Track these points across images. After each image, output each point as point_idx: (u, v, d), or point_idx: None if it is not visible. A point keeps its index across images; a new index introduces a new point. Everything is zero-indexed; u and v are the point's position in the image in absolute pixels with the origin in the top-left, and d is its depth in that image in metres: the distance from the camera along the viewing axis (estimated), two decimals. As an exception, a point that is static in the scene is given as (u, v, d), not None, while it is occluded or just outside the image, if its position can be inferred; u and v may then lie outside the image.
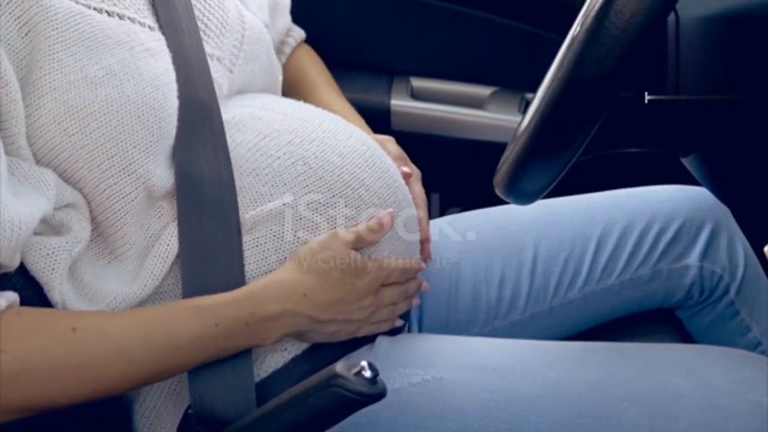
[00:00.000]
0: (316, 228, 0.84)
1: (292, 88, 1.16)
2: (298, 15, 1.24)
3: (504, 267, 1.08)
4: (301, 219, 0.85)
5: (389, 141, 1.02)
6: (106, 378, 0.74)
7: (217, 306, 0.78)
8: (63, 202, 0.77)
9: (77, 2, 0.79)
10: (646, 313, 1.13)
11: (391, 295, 0.89)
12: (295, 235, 0.83)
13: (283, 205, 0.84)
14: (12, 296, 0.71)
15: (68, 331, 0.72)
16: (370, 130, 1.05)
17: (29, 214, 0.72)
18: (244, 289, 0.80)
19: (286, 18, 1.17)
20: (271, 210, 0.84)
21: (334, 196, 0.87)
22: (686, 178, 1.01)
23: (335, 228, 0.86)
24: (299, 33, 1.21)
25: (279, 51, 1.18)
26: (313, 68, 1.19)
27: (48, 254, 0.75)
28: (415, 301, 0.94)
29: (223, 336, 0.78)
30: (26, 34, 0.74)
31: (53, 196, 0.75)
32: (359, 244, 0.86)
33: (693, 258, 1.09)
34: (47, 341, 0.71)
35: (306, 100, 1.00)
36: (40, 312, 0.74)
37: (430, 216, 1.08)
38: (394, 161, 0.96)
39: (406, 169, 0.98)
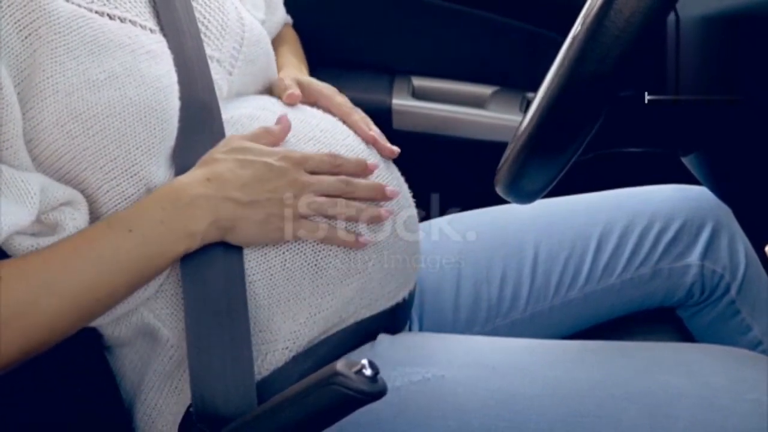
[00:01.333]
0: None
1: None
2: (298, 15, 1.25)
3: (505, 266, 1.08)
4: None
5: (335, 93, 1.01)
6: (43, 319, 0.73)
7: (127, 213, 0.78)
8: (55, 204, 0.76)
9: (79, 6, 0.79)
10: (646, 313, 1.13)
11: (325, 183, 0.86)
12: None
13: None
14: None
15: None
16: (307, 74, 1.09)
17: (4, 223, 0.72)
18: (150, 194, 0.79)
19: (281, 10, 1.18)
20: None
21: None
22: (687, 178, 1.01)
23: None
24: (285, 18, 1.22)
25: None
26: (281, 40, 1.19)
27: None
28: (385, 213, 0.89)
29: (142, 241, 0.76)
30: (26, 38, 0.74)
31: (36, 204, 0.74)
32: (262, 138, 0.86)
33: (694, 257, 1.09)
34: None
35: None
36: None
37: (430, 216, 1.08)
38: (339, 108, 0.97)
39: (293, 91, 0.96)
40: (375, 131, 0.95)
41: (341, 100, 0.98)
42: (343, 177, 0.87)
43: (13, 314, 0.72)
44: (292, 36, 1.22)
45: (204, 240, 0.80)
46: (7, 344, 0.72)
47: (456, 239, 1.09)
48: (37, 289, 0.73)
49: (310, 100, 0.98)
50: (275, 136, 0.87)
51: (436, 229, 1.08)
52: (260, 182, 0.82)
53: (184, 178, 0.81)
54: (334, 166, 0.87)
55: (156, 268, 0.79)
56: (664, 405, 0.80)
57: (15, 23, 0.74)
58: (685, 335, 1.13)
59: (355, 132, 0.94)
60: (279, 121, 0.88)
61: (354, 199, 0.87)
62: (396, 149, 0.95)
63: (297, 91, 0.95)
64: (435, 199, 1.01)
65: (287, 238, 0.84)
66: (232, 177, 0.81)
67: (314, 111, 0.96)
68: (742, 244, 1.10)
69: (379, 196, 0.89)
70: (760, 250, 1.12)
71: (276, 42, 1.16)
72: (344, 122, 0.95)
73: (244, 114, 0.90)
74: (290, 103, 0.94)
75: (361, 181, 0.88)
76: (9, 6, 0.74)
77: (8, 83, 0.72)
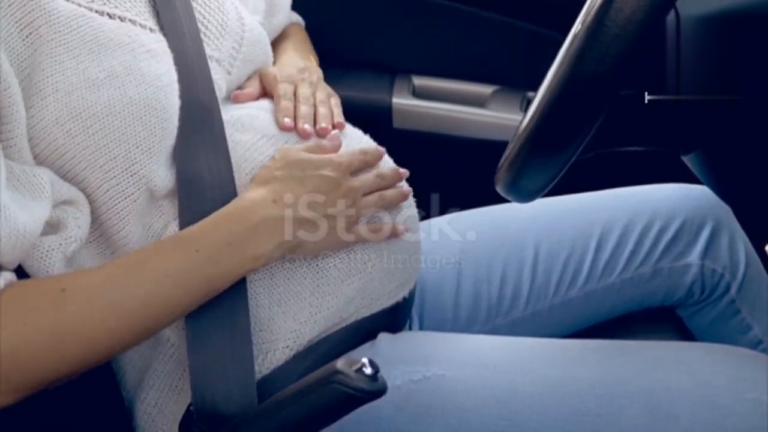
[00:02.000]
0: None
1: None
2: (299, 14, 1.25)
3: (505, 265, 1.08)
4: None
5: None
6: (103, 334, 0.73)
7: (194, 232, 0.78)
8: (59, 200, 0.77)
9: (79, 5, 0.79)
10: (646, 312, 1.13)
11: (367, 182, 0.88)
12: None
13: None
14: (9, 276, 0.71)
15: (57, 292, 0.72)
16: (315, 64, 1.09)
17: (33, 222, 0.72)
18: (217, 213, 0.80)
19: (283, 15, 1.17)
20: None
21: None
22: (687, 177, 1.01)
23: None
24: (291, 18, 1.22)
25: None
26: (283, 36, 1.18)
27: (41, 257, 0.75)
28: (406, 190, 0.92)
29: (208, 261, 0.77)
30: (27, 37, 0.74)
31: (49, 197, 0.75)
32: (313, 151, 0.88)
33: (694, 256, 1.09)
34: (39, 305, 0.71)
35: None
36: (25, 281, 0.74)
37: (430, 216, 1.08)
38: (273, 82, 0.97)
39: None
40: (294, 125, 0.91)
41: (280, 87, 0.95)
42: (375, 171, 0.90)
43: (77, 327, 0.72)
44: (295, 30, 1.21)
45: (268, 261, 0.81)
46: (72, 355, 0.72)
47: (456, 239, 1.09)
48: (101, 304, 0.73)
49: (270, 91, 0.97)
50: (326, 151, 0.89)
51: (436, 229, 1.09)
52: (320, 198, 0.84)
53: (250, 196, 0.82)
54: (367, 163, 0.90)
55: (219, 287, 0.79)
56: (664, 404, 0.80)
57: (16, 23, 0.74)
58: (686, 334, 1.13)
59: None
60: (330, 138, 0.91)
61: (384, 188, 0.90)
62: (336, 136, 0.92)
63: (242, 91, 0.96)
64: (435, 199, 1.01)
65: (347, 245, 0.87)
66: (294, 197, 0.83)
67: None
68: (743, 243, 1.10)
69: (398, 177, 0.92)
70: (760, 250, 1.12)
71: (278, 39, 1.16)
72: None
73: (243, 114, 0.91)
74: (238, 102, 0.95)
75: (384, 169, 0.91)
76: (9, 5, 0.74)
77: (15, 82, 0.72)
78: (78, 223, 0.78)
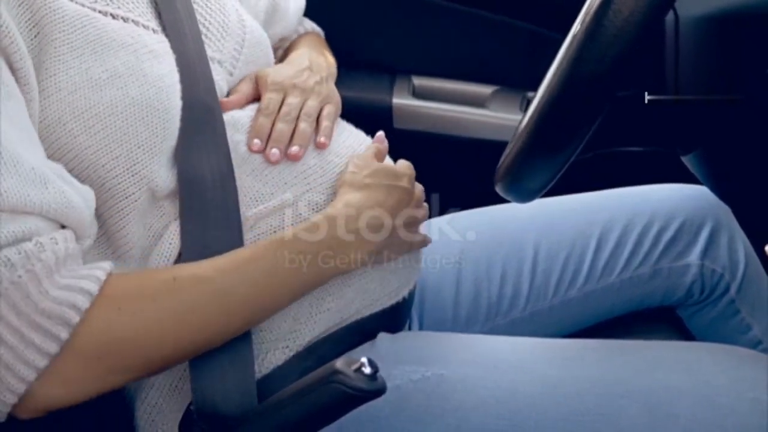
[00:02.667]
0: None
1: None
2: (300, 14, 1.25)
3: (505, 265, 1.08)
4: (301, 218, 0.85)
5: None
6: (215, 321, 0.76)
7: (299, 234, 0.81)
8: None
9: (83, 5, 0.79)
10: (646, 312, 1.13)
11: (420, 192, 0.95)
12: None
13: (283, 203, 0.85)
14: (108, 265, 0.73)
15: (170, 280, 0.75)
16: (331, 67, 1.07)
17: (90, 194, 0.75)
18: (317, 217, 0.84)
19: (281, 27, 1.15)
20: (272, 208, 0.85)
21: (334, 193, 0.88)
22: (687, 177, 1.01)
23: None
24: (305, 27, 1.21)
25: (284, 48, 1.17)
26: (302, 44, 1.16)
27: None
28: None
29: (312, 262, 0.81)
30: (35, 36, 0.75)
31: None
32: (380, 157, 0.93)
33: (693, 256, 1.09)
34: (154, 293, 0.74)
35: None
36: (141, 271, 0.79)
37: (431, 216, 1.08)
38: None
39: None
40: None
41: (265, 97, 0.93)
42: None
43: (188, 314, 0.75)
44: (313, 34, 1.21)
45: (363, 264, 0.86)
46: (184, 340, 0.75)
47: (456, 239, 1.09)
48: (209, 293, 0.76)
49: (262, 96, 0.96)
50: (384, 153, 0.95)
51: (436, 229, 1.09)
52: (401, 206, 0.90)
53: (347, 200, 0.86)
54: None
55: (316, 286, 0.84)
56: (664, 403, 0.80)
57: (27, 21, 0.74)
58: (685, 334, 1.13)
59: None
60: (377, 138, 0.95)
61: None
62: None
63: (228, 99, 0.92)
64: (435, 199, 1.01)
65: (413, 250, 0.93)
66: (385, 205, 0.88)
67: None
68: (742, 243, 1.10)
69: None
70: (759, 250, 1.12)
71: (299, 38, 1.16)
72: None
73: (245, 114, 0.91)
74: (224, 110, 0.90)
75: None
76: (19, 5, 0.74)
77: (34, 80, 0.73)
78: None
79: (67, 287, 0.69)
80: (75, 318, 0.69)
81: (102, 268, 0.72)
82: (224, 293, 0.76)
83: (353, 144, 0.94)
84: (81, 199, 0.73)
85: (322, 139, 0.91)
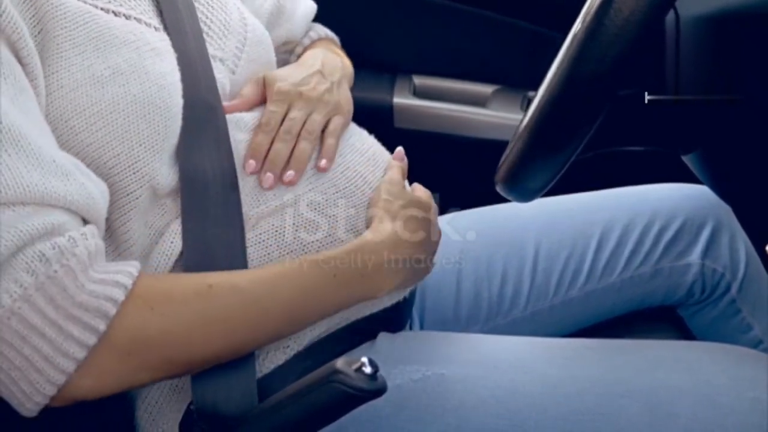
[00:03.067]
0: (317, 227, 0.85)
1: None
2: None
3: (505, 265, 1.08)
4: (302, 218, 0.85)
5: None
6: (245, 330, 0.78)
7: (333, 259, 0.82)
8: None
9: (85, 2, 0.79)
10: (647, 312, 1.13)
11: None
12: (295, 236, 0.84)
13: (284, 203, 0.85)
14: (137, 264, 0.75)
15: (205, 287, 0.76)
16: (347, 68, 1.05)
17: (104, 186, 0.76)
18: (354, 244, 0.85)
19: (288, 27, 1.14)
20: (274, 208, 0.85)
21: (336, 193, 0.88)
22: (688, 177, 1.01)
23: (336, 227, 0.86)
24: (318, 33, 1.18)
25: (291, 53, 1.16)
26: (317, 48, 1.14)
27: None
28: None
29: (342, 287, 0.83)
30: (39, 32, 0.75)
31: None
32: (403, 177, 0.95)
33: (694, 256, 1.09)
34: (188, 298, 0.75)
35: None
36: (176, 274, 0.80)
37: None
38: None
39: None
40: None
41: (268, 109, 0.90)
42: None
43: (220, 321, 0.76)
44: (325, 40, 1.18)
45: (390, 291, 0.88)
46: (213, 345, 0.76)
47: (456, 239, 1.09)
48: (244, 304, 0.77)
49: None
50: (406, 172, 0.97)
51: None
52: (429, 237, 0.92)
53: (382, 229, 0.87)
54: None
55: (345, 307, 0.85)
56: (664, 402, 0.80)
57: (31, 18, 0.74)
58: (686, 334, 1.13)
59: None
60: (397, 155, 0.97)
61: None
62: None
63: (230, 103, 0.90)
64: (435, 198, 1.01)
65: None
66: (416, 237, 0.89)
67: None
68: (743, 243, 1.10)
69: None
70: (760, 249, 1.12)
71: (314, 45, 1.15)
72: None
73: (248, 113, 0.91)
74: (228, 113, 0.89)
75: None
76: (23, 2, 0.74)
77: (41, 76, 0.74)
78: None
79: (102, 281, 0.71)
80: (112, 310, 0.70)
81: (133, 265, 0.74)
82: (258, 306, 0.78)
83: (356, 143, 0.94)
84: (98, 191, 0.74)
85: (322, 163, 0.89)
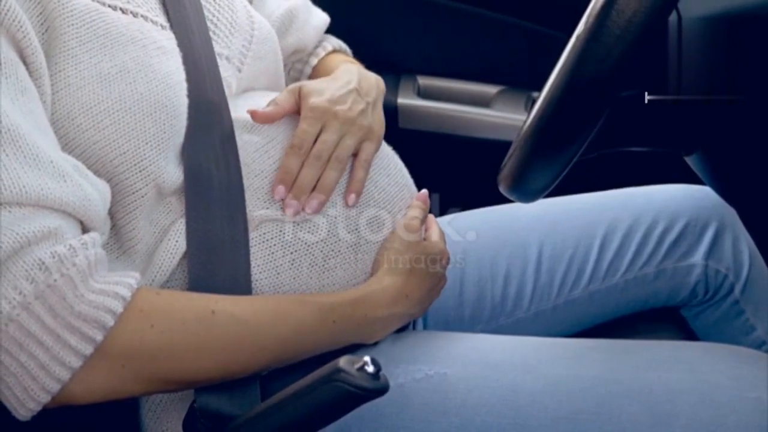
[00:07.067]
0: (317, 228, 0.85)
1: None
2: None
3: (509, 265, 1.08)
4: (304, 219, 0.86)
5: None
6: (238, 360, 0.78)
7: (335, 306, 0.83)
8: None
9: (92, 0, 0.79)
10: (650, 312, 1.13)
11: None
12: (296, 236, 0.84)
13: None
14: (137, 275, 0.75)
15: (208, 312, 0.76)
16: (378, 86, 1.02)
17: (105, 187, 0.76)
18: (357, 293, 0.85)
19: (300, 36, 1.13)
20: (280, 213, 0.85)
21: (341, 193, 0.88)
22: (691, 177, 1.01)
23: (336, 227, 0.87)
24: (332, 44, 1.18)
25: (306, 63, 1.16)
26: (336, 62, 1.14)
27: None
28: None
29: (338, 332, 0.83)
30: (46, 30, 0.75)
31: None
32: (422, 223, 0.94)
33: (698, 257, 1.09)
34: (189, 320, 0.75)
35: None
36: (179, 293, 0.80)
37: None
38: None
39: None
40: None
41: (301, 127, 0.89)
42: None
43: (216, 348, 0.76)
44: (340, 54, 1.19)
45: (380, 338, 0.89)
46: (207, 368, 0.77)
47: (456, 239, 1.10)
48: (243, 335, 0.78)
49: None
50: (426, 215, 0.96)
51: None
52: (432, 293, 0.93)
53: (388, 283, 0.87)
54: None
55: (336, 347, 0.85)
56: (665, 402, 0.80)
57: (38, 16, 0.75)
58: (689, 335, 1.13)
59: None
60: (421, 197, 0.96)
61: None
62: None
63: (268, 109, 0.89)
64: (435, 199, 1.02)
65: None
66: (419, 293, 0.90)
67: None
68: (746, 244, 1.10)
69: None
70: (764, 250, 1.12)
71: (330, 58, 1.15)
72: None
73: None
74: (257, 122, 0.89)
75: None
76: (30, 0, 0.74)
77: (46, 75, 0.74)
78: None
79: (102, 292, 0.71)
80: (110, 322, 0.70)
81: (133, 276, 0.74)
82: (255, 339, 0.78)
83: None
84: (97, 193, 0.74)
85: (351, 200, 0.89)
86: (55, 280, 0.69)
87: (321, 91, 0.91)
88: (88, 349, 0.70)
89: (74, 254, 0.70)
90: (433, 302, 0.95)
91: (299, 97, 0.91)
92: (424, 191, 0.97)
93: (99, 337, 0.70)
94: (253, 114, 0.88)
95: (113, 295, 0.71)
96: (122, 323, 0.71)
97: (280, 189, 0.86)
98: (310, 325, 0.81)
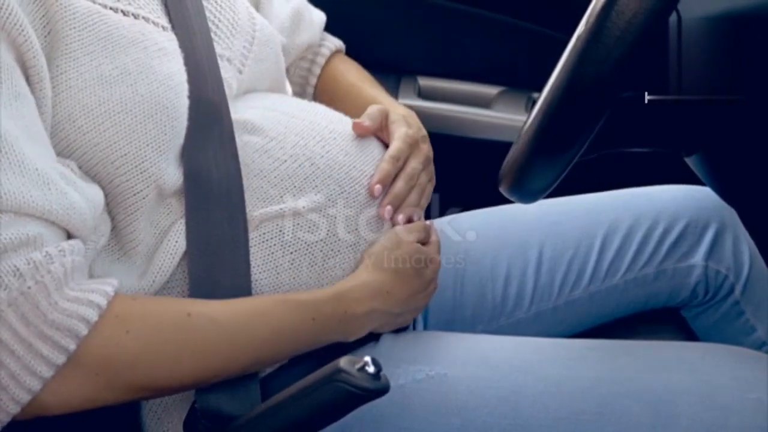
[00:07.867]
0: (317, 228, 0.85)
1: (327, 94, 1.16)
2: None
3: (509, 265, 1.08)
4: (303, 219, 0.86)
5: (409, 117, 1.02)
6: (215, 363, 0.77)
7: (315, 303, 0.82)
8: None
9: (94, 2, 0.79)
10: (651, 313, 1.13)
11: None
12: (296, 236, 0.84)
13: (287, 205, 0.85)
14: (116, 281, 0.75)
15: (183, 316, 0.76)
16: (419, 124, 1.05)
17: (96, 193, 0.76)
18: (336, 289, 0.85)
19: (307, 35, 1.15)
20: (279, 209, 0.85)
21: (342, 193, 0.88)
22: (691, 178, 1.01)
23: (335, 227, 0.87)
24: (333, 43, 1.20)
25: (312, 62, 1.17)
26: (350, 72, 1.18)
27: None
28: None
29: (318, 330, 0.83)
30: (48, 33, 0.75)
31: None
32: (420, 239, 0.93)
33: (698, 257, 1.09)
34: (165, 324, 0.75)
35: (344, 102, 1.05)
36: (154, 299, 0.80)
37: (430, 216, 1.09)
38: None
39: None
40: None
41: (398, 143, 0.95)
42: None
43: (193, 351, 0.76)
44: (354, 65, 1.21)
45: (361, 335, 0.88)
46: (183, 373, 0.76)
47: (456, 239, 1.10)
48: (220, 338, 0.77)
49: (389, 135, 0.97)
50: (430, 234, 0.96)
51: (438, 230, 1.09)
52: (416, 294, 0.91)
53: (370, 279, 0.87)
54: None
55: (317, 346, 0.84)
56: (666, 402, 0.80)
57: (41, 19, 0.74)
58: (690, 335, 1.13)
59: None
60: (429, 229, 0.96)
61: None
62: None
63: (367, 123, 0.95)
64: (435, 199, 1.02)
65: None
66: (402, 293, 0.89)
67: (323, 111, 0.96)
68: (747, 244, 1.10)
69: None
70: (764, 251, 1.12)
71: (340, 69, 1.17)
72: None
73: (255, 115, 0.91)
74: (358, 133, 0.94)
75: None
76: (33, 2, 0.74)
77: (47, 78, 0.73)
78: (103, 217, 0.79)
79: (76, 299, 0.70)
80: (83, 330, 0.70)
81: (110, 284, 0.74)
82: (233, 341, 0.78)
83: (362, 143, 0.94)
84: (83, 200, 0.74)
85: (418, 217, 0.95)
86: (29, 288, 0.68)
87: (409, 125, 0.99)
88: (60, 359, 0.69)
89: (50, 261, 0.69)
90: (424, 308, 0.94)
91: (386, 118, 0.97)
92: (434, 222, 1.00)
93: (72, 346, 0.69)
94: (355, 125, 0.94)
95: (87, 303, 0.71)
96: (97, 331, 0.71)
97: (378, 187, 0.90)
98: (289, 323, 0.81)
